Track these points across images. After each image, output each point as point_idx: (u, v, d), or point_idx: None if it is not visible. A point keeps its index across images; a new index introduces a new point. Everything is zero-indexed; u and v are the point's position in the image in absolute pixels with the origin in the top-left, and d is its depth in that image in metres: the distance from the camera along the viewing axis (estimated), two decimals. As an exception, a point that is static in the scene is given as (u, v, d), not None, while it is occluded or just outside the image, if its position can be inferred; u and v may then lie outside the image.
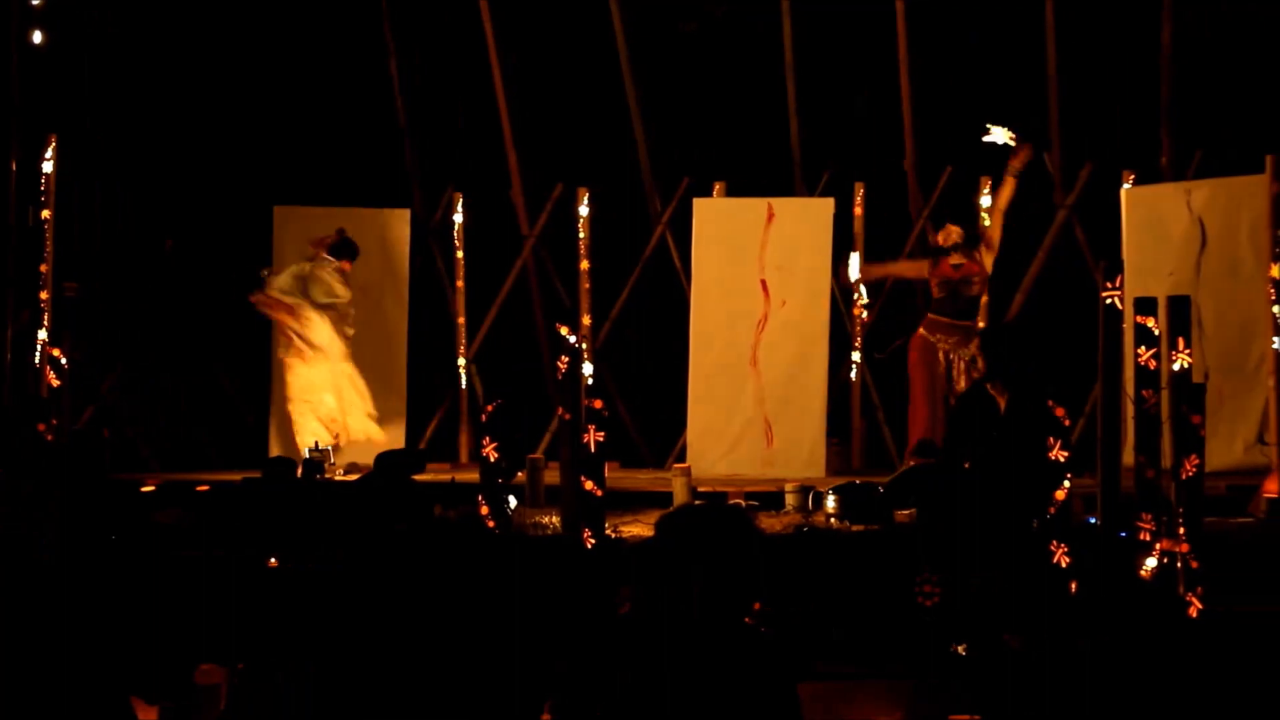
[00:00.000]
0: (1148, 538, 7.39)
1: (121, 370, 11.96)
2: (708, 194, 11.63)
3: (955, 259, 10.22)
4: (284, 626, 5.68)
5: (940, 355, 10.22)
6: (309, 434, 10.85)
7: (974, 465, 8.09)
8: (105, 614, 4.54)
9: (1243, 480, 9.44)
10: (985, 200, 11.40)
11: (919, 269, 10.49)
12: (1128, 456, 7.90)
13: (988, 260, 10.27)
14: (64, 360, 9.50)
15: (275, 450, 11.19)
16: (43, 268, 10.89)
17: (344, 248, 11.20)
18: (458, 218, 12.26)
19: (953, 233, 10.30)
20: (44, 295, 10.85)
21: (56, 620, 4.53)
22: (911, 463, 9.52)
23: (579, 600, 7.02)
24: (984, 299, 10.80)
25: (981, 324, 11.16)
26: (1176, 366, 7.47)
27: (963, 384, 9.98)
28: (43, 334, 10.74)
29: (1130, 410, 7.78)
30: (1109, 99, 11.48)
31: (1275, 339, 10.02)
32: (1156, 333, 7.61)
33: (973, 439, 8.25)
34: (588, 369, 8.37)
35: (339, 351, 11.10)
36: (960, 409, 9.05)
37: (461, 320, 12.30)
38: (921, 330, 10.34)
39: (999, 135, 10.14)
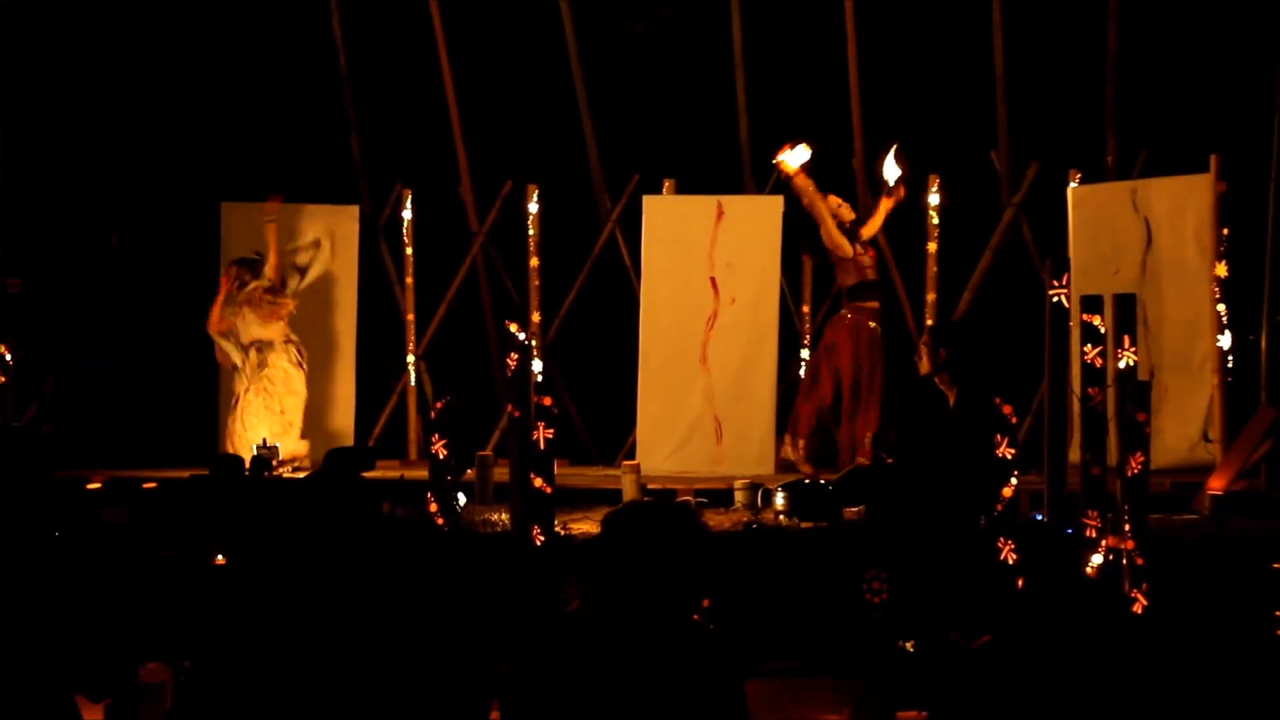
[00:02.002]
0: (1093, 534, 7.44)
1: (66, 366, 11.85)
2: (657, 191, 11.62)
3: (868, 253, 10.54)
4: (230, 624, 5.63)
5: (866, 328, 10.33)
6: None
7: (923, 461, 8.12)
8: (49, 611, 4.51)
9: (1187, 477, 9.52)
10: (933, 199, 11.45)
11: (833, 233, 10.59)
12: (1074, 454, 7.94)
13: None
14: (7, 356, 9.41)
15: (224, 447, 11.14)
16: (-16, 263, 10.84)
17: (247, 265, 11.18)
18: (406, 214, 12.20)
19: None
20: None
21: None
22: (860, 461, 9.57)
23: (527, 598, 7.01)
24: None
25: (929, 321, 11.23)
26: (1122, 364, 7.51)
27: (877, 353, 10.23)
28: (-15, 330, 10.66)
29: (1076, 408, 7.83)
30: (1056, 98, 11.53)
31: (1219, 337, 10.12)
32: (1102, 330, 7.66)
33: (923, 434, 8.28)
34: (537, 366, 8.34)
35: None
36: (911, 404, 9.08)
37: (410, 317, 12.26)
38: (846, 312, 10.42)
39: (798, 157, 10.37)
